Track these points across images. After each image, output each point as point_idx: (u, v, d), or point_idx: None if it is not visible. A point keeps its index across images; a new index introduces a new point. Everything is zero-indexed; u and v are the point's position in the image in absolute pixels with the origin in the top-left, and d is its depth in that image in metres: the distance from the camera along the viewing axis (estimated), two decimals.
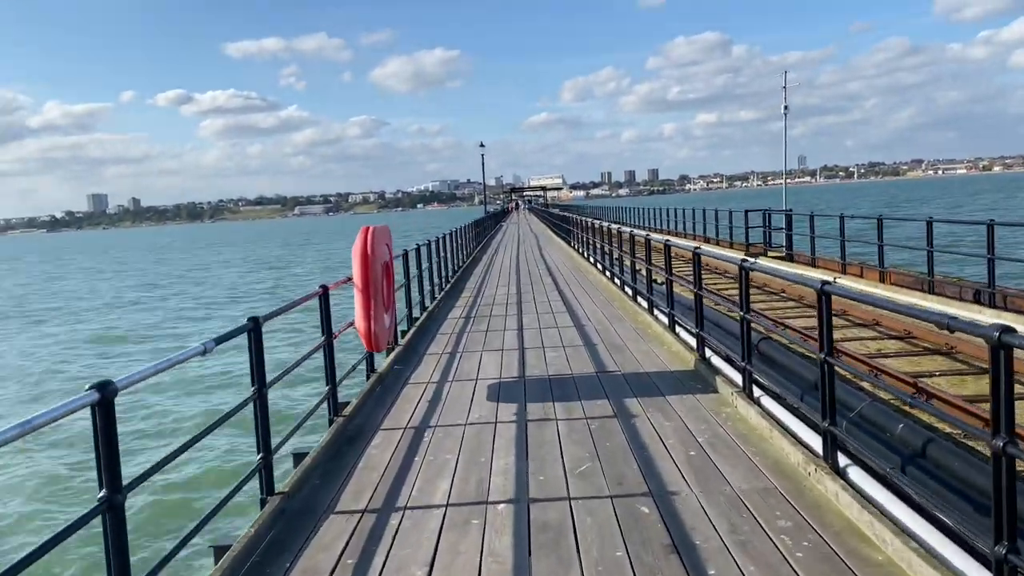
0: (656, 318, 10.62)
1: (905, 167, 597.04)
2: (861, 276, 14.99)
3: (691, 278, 8.43)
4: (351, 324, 7.33)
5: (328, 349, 6.78)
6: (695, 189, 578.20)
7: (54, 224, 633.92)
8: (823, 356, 4.63)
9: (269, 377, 5.11)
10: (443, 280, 16.68)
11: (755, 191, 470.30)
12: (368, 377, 8.25)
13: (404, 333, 11.03)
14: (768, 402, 6.13)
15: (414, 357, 9.54)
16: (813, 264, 16.56)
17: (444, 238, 18.38)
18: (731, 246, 21.84)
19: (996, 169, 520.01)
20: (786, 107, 26.16)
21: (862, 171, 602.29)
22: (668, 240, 10.47)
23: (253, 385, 4.92)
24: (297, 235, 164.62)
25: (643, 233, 13.28)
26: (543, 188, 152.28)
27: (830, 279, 13.20)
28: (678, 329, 9.47)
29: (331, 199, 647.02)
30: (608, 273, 15.78)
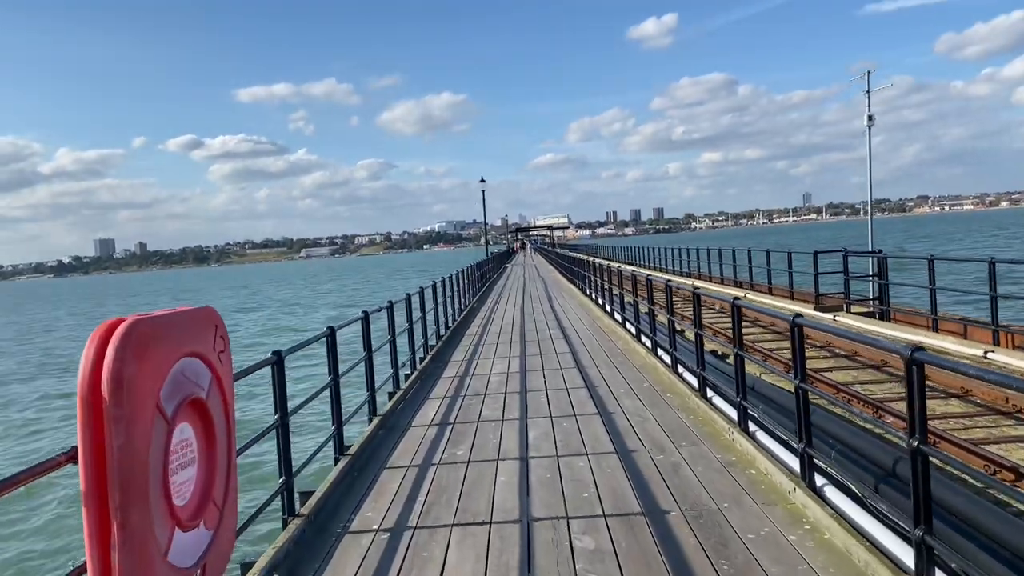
0: (753, 437, 6.64)
1: (911, 203, 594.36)
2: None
3: (777, 352, 5.11)
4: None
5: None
6: (701, 227, 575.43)
7: (61, 269, 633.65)
8: None
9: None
10: (424, 349, 13.24)
11: (761, 229, 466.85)
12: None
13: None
14: None
15: (327, 540, 5.21)
16: (935, 327, 12.32)
17: (433, 287, 15.10)
18: (791, 296, 17.91)
19: (1003, 205, 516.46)
20: (871, 117, 22.03)
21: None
22: (737, 301, 7.17)
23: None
24: (301, 275, 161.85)
25: (688, 284, 9.95)
26: (549, 227, 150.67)
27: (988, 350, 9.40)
28: (821, 484, 5.22)
29: (337, 241, 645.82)
30: (644, 339, 12.40)
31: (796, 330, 5.42)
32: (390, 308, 10.37)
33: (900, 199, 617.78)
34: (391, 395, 9.89)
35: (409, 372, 11.51)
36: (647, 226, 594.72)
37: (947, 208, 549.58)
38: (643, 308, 12.63)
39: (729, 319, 14.79)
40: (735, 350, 6.96)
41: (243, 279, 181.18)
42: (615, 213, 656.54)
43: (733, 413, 7.31)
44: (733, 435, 6.95)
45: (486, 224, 53.97)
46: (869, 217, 19.61)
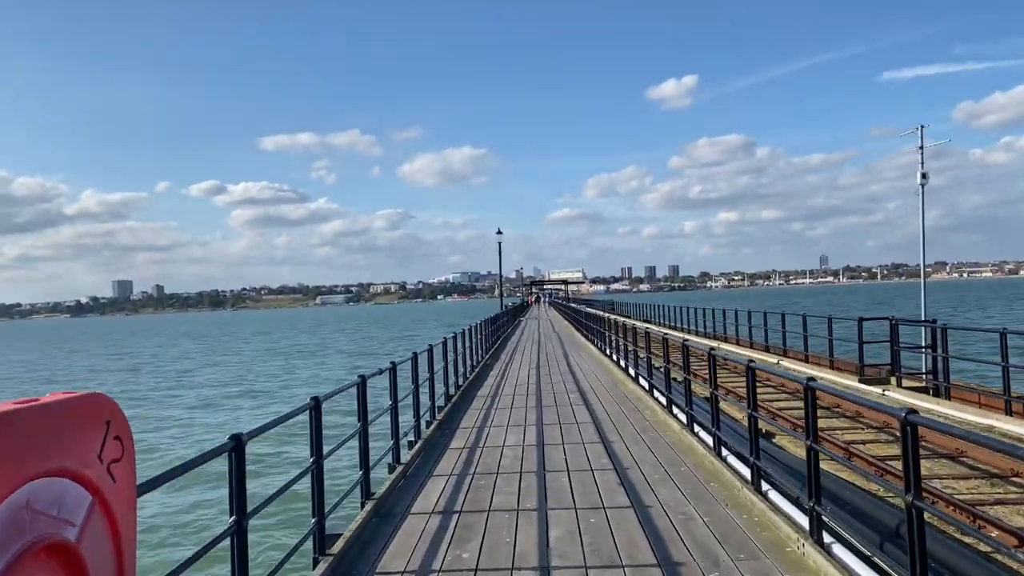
0: (829, 552, 5.29)
1: (929, 269, 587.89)
2: None
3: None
4: None
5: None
6: (716, 286, 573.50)
7: (78, 309, 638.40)
8: None
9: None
10: (432, 412, 11.80)
11: (777, 290, 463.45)
12: None
13: None
14: None
15: None
16: (1008, 409, 10.80)
17: (443, 344, 13.86)
18: (831, 366, 16.32)
19: (1022, 273, 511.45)
20: (924, 175, 20.36)
21: (885, 272, 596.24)
22: (810, 382, 5.86)
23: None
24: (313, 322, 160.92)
25: (743, 356, 8.61)
26: (564, 281, 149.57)
27: None
28: None
29: (352, 289, 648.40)
30: (677, 411, 11.07)
31: (909, 431, 4.13)
32: (392, 371, 9.08)
33: (917, 264, 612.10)
34: (391, 467, 8.59)
35: (414, 439, 10.21)
36: (662, 283, 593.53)
37: (965, 275, 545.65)
38: (677, 376, 11.32)
39: (778, 394, 13.38)
40: (808, 442, 5.63)
41: (263, 324, 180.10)
42: (630, 269, 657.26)
43: (802, 519, 5.94)
44: (804, 548, 5.58)
45: (501, 276, 52.88)
46: (922, 280, 17.74)
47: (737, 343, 24.43)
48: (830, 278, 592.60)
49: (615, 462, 8.79)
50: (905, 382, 13.41)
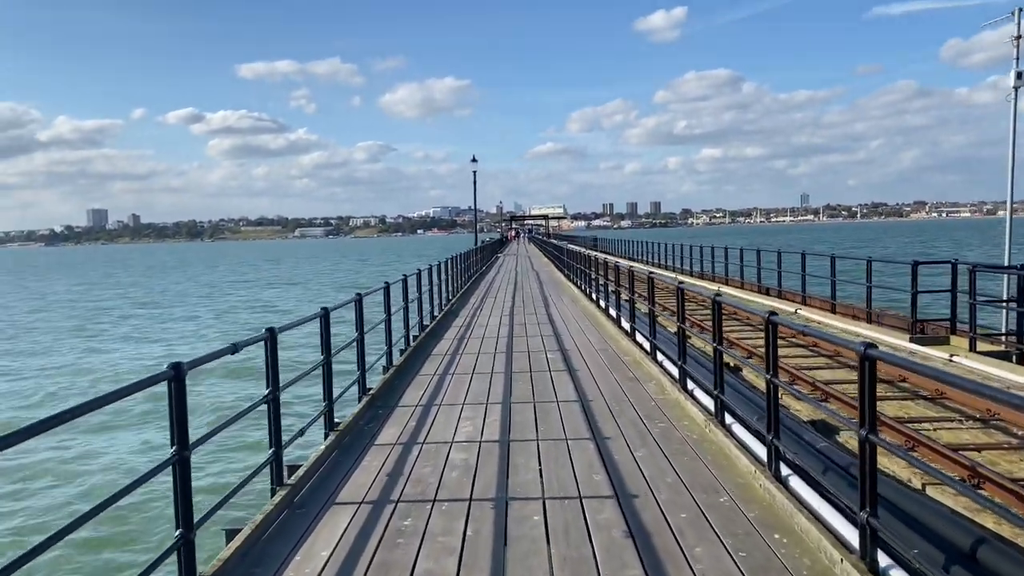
0: None
1: (908, 208, 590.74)
2: None
3: None
4: None
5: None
6: (698, 223, 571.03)
7: (52, 238, 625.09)
8: None
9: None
10: (360, 386, 8.71)
11: (758, 227, 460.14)
12: None
13: None
14: None
15: None
16: None
17: (404, 283, 10.88)
18: (869, 319, 13.34)
19: (1000, 213, 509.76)
20: (1020, 73, 15.71)
21: (865, 211, 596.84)
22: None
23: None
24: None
25: (757, 306, 5.62)
26: (544, 217, 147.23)
27: None
28: None
29: (332, 222, 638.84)
30: (699, 393, 8.07)
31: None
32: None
33: (897, 204, 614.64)
34: (272, 491, 5.70)
35: (327, 431, 7.32)
36: (643, 220, 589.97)
37: (945, 215, 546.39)
38: (696, 342, 8.42)
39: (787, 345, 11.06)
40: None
41: (238, 255, 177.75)
42: (611, 205, 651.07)
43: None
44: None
45: (476, 206, 49.48)
46: (1008, 218, 13.66)
47: (742, 287, 21.54)
48: (810, 216, 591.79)
49: (617, 486, 5.83)
50: (980, 345, 10.57)
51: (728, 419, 6.88)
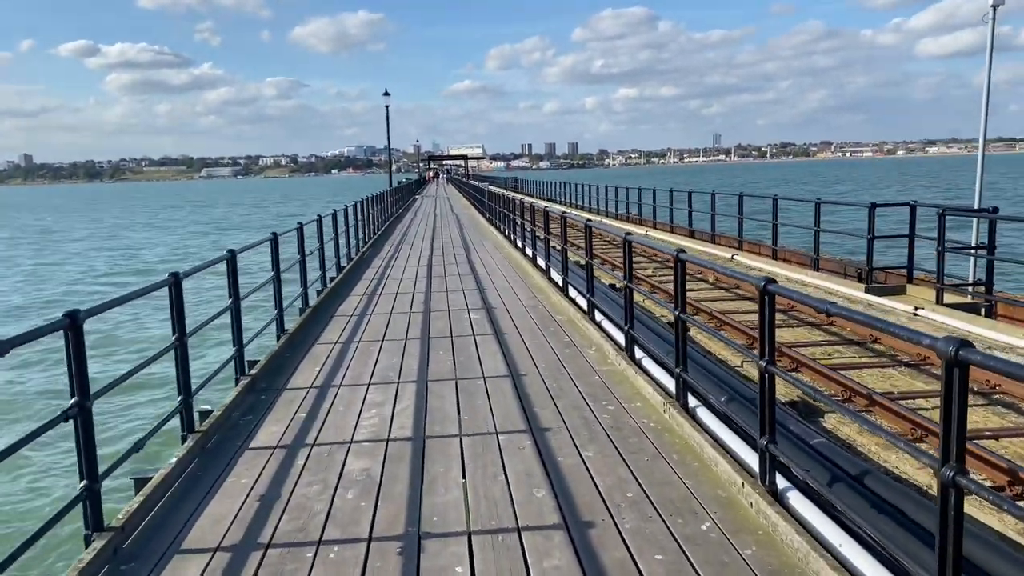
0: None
1: (815, 148, 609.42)
2: None
3: None
4: None
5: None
6: (614, 164, 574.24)
7: None
8: None
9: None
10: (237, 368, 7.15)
11: (672, 167, 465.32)
12: None
13: None
14: None
15: None
16: None
17: (275, 241, 9.13)
18: (816, 266, 12.46)
19: (900, 153, 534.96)
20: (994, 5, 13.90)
21: (774, 151, 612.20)
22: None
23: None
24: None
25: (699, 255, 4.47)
26: (464, 157, 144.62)
27: None
28: None
29: (240, 161, 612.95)
30: (647, 361, 6.82)
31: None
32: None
33: (804, 144, 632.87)
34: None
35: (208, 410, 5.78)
36: (561, 160, 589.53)
37: (848, 155, 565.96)
38: (641, 299, 7.12)
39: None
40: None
41: (140, 198, 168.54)
42: (530, 146, 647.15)
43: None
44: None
45: (390, 145, 47.02)
46: (980, 155, 12.28)
47: (671, 231, 20.55)
48: (722, 156, 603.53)
49: (556, 483, 4.57)
50: (947, 296, 9.64)
51: (692, 401, 5.65)
